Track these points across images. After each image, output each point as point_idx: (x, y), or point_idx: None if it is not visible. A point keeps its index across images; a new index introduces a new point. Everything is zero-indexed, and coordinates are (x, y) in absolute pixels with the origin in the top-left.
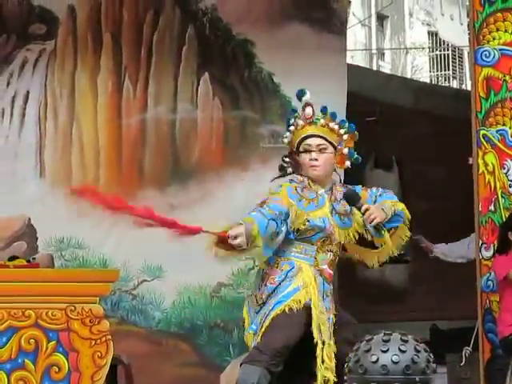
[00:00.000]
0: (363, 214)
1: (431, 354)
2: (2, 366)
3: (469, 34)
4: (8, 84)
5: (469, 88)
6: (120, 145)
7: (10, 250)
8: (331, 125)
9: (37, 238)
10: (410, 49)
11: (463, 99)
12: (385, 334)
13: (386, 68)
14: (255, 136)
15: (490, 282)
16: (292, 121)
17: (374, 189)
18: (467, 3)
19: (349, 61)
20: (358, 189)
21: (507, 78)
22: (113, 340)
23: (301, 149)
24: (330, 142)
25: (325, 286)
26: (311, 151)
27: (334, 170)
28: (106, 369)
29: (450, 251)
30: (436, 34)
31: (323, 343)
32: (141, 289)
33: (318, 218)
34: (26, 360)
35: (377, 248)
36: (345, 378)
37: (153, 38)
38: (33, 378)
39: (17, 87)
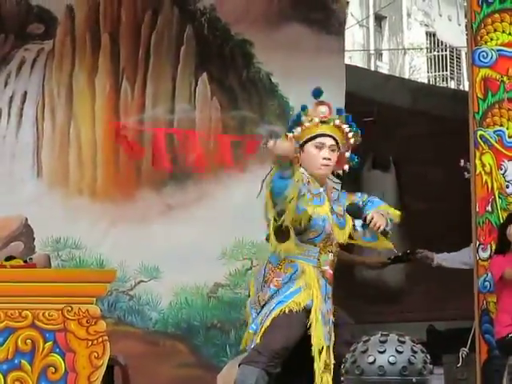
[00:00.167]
0: (368, 224)
1: (428, 355)
2: None
3: (466, 34)
4: (6, 84)
5: (466, 89)
6: (118, 145)
7: (7, 250)
8: (344, 127)
9: (34, 238)
10: (408, 49)
11: (461, 100)
12: (382, 334)
13: (384, 68)
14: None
15: (486, 283)
16: (303, 117)
17: (359, 193)
18: (465, 4)
19: (347, 61)
20: (344, 194)
21: (505, 78)
22: (109, 340)
23: (310, 145)
24: (337, 144)
25: (327, 288)
26: (322, 149)
27: (332, 173)
28: (103, 369)
29: (453, 260)
30: (434, 35)
31: (322, 347)
32: (138, 289)
33: (320, 215)
34: (22, 360)
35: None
36: (342, 378)
37: (151, 39)
38: (29, 378)
39: (14, 87)
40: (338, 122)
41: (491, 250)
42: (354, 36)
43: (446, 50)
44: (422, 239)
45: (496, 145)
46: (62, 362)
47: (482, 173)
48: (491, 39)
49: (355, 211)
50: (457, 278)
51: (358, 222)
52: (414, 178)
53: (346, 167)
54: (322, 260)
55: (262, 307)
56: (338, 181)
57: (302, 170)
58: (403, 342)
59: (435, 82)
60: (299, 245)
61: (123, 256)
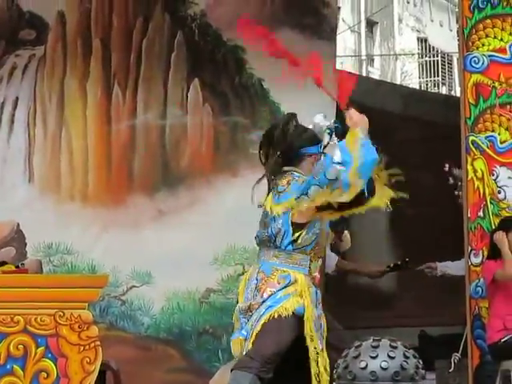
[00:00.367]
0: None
1: (420, 361)
2: None
3: (458, 40)
4: None
5: (458, 94)
6: (109, 151)
7: None
8: None
9: (25, 244)
10: (400, 55)
11: (452, 105)
12: (374, 340)
13: (376, 74)
14: (245, 142)
15: (478, 289)
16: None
17: None
18: (457, 10)
19: (338, 66)
20: None
21: (496, 84)
22: (101, 346)
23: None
24: None
25: (317, 294)
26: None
27: None
28: (95, 375)
29: (456, 267)
30: (425, 40)
31: (317, 353)
32: (130, 294)
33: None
34: (14, 366)
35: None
36: None
37: (142, 44)
38: (21, 383)
39: (6, 93)
40: None
41: (483, 255)
42: (346, 41)
43: (437, 56)
44: (413, 244)
45: (488, 150)
46: (54, 367)
47: (474, 178)
48: (483, 45)
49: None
50: (449, 284)
51: None
52: (404, 184)
53: None
54: (313, 267)
55: (252, 314)
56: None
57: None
58: (395, 348)
59: (427, 88)
60: (291, 254)
61: (115, 261)
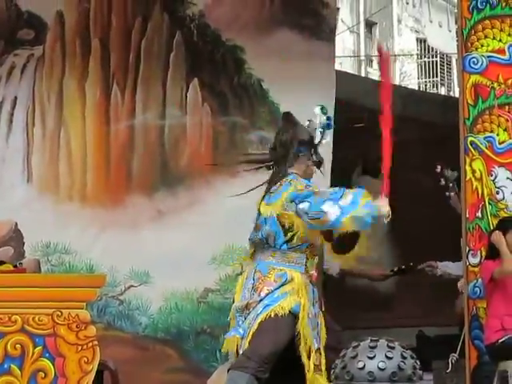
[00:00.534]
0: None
1: (417, 361)
2: None
3: (457, 40)
4: None
5: (457, 95)
6: (108, 150)
7: None
8: None
9: (24, 243)
10: (399, 55)
11: (451, 106)
12: (371, 340)
13: (375, 75)
14: (244, 142)
15: (476, 289)
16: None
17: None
18: (456, 10)
19: (337, 67)
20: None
21: (495, 85)
22: (99, 345)
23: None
24: None
25: (314, 293)
26: None
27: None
28: (93, 374)
29: (457, 267)
30: (424, 41)
31: (310, 351)
32: (128, 294)
33: None
34: (12, 365)
35: None
36: None
37: (141, 44)
38: (19, 383)
39: (4, 93)
40: None
41: (481, 255)
42: (345, 42)
43: (436, 57)
44: (412, 245)
45: (486, 151)
46: (52, 367)
47: (473, 179)
48: (482, 46)
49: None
50: (447, 284)
51: None
52: (404, 184)
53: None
54: (309, 265)
55: (249, 313)
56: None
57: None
58: (393, 348)
59: (426, 89)
60: (287, 253)
61: (113, 261)
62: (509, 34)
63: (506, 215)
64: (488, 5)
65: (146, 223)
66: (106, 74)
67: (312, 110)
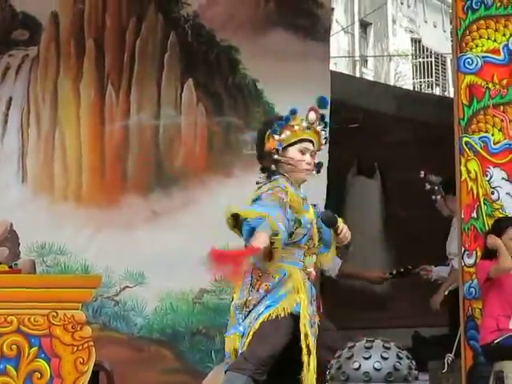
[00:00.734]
0: (338, 234)
1: (413, 361)
2: None
3: (452, 41)
4: None
5: (452, 95)
6: (103, 151)
7: None
8: (322, 134)
9: (19, 244)
10: (393, 56)
11: (446, 106)
12: (367, 340)
13: (369, 75)
14: (239, 142)
15: (472, 289)
16: (292, 121)
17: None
18: (450, 10)
19: (332, 68)
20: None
21: (490, 85)
22: (95, 346)
23: (294, 149)
24: (315, 149)
25: (312, 290)
26: (305, 154)
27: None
28: (88, 375)
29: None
30: (419, 41)
31: (310, 352)
32: (123, 295)
33: (307, 218)
34: (7, 366)
35: None
36: None
37: (135, 45)
38: (15, 383)
39: None
40: (319, 128)
41: (476, 256)
42: (339, 42)
43: (431, 57)
44: (406, 246)
45: (481, 151)
46: (48, 368)
47: (468, 179)
48: (476, 46)
49: (331, 219)
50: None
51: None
52: (399, 185)
53: (314, 172)
54: (307, 262)
55: (250, 311)
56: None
57: (278, 177)
58: (388, 348)
59: (420, 89)
60: (285, 248)
61: (108, 262)
62: (503, 34)
63: (501, 215)
64: (483, 5)
65: (141, 224)
66: (100, 75)
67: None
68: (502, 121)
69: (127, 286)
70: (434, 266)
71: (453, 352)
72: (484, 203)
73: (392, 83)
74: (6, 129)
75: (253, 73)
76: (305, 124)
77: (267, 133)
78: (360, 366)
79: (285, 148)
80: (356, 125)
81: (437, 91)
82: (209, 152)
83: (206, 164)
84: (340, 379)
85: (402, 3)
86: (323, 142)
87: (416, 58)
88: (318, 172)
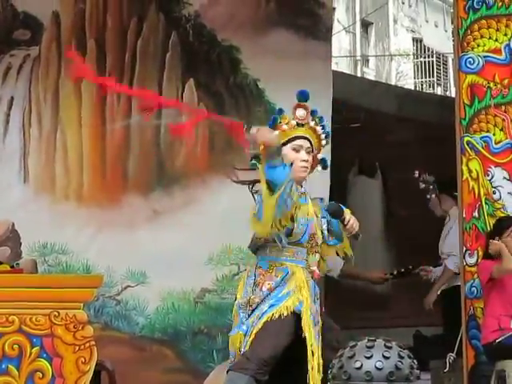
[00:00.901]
0: (345, 225)
1: (415, 361)
2: None
3: (453, 40)
4: None
5: (453, 95)
6: (104, 150)
7: None
8: (318, 129)
9: (20, 244)
10: (395, 55)
11: (447, 106)
12: (369, 340)
13: (371, 74)
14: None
15: (473, 289)
16: (279, 120)
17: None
18: (452, 10)
19: (333, 67)
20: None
21: (491, 84)
22: (96, 346)
23: (287, 148)
24: (312, 146)
25: (315, 289)
26: (300, 151)
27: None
28: (90, 374)
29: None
30: (420, 41)
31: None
32: (124, 294)
33: (305, 214)
34: (9, 365)
35: None
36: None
37: (137, 45)
38: (16, 383)
39: (1, 93)
40: (312, 123)
41: (478, 255)
42: (341, 42)
43: (432, 56)
44: (407, 245)
45: (483, 151)
46: (49, 367)
47: (469, 179)
48: (478, 45)
49: (337, 210)
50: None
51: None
52: (400, 184)
53: (319, 168)
54: (310, 261)
55: (254, 310)
56: None
57: None
58: (390, 348)
59: (422, 88)
60: (287, 247)
61: (110, 261)
62: (505, 34)
63: (502, 215)
64: (484, 5)
65: (143, 223)
66: (101, 75)
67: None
68: (503, 120)
69: (129, 286)
70: (432, 267)
71: (454, 351)
72: (485, 203)
73: (393, 83)
74: (8, 129)
75: (254, 72)
76: (294, 122)
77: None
78: (362, 365)
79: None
80: (357, 124)
81: (438, 91)
82: (210, 152)
83: (207, 163)
84: (342, 378)
85: (403, 3)
86: (323, 136)
87: (417, 58)
88: (324, 168)
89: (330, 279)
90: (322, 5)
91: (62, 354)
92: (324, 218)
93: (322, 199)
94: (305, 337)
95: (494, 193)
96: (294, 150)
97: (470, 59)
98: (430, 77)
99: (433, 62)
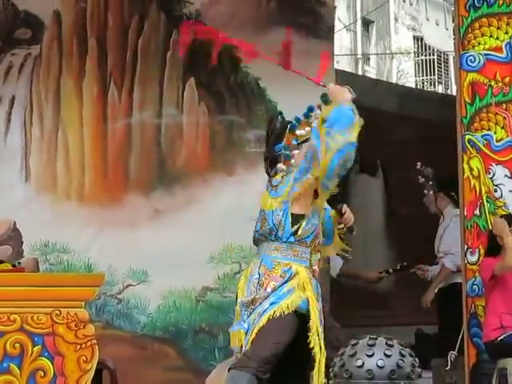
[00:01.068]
0: (342, 215)
1: (416, 359)
2: None
3: (454, 39)
4: None
5: (454, 93)
6: (105, 150)
7: None
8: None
9: (22, 242)
10: (396, 54)
11: (449, 104)
12: (370, 338)
13: (372, 73)
14: (241, 141)
15: (475, 287)
16: (310, 118)
17: None
18: (452, 8)
19: (334, 66)
20: None
21: (492, 83)
22: (98, 344)
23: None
24: None
25: (318, 287)
26: None
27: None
28: (92, 373)
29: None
30: (421, 39)
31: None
32: (126, 293)
33: (318, 214)
34: (11, 364)
35: None
36: (330, 382)
37: (138, 44)
38: (18, 382)
39: (2, 92)
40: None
41: (479, 253)
42: (342, 40)
43: (433, 55)
44: (408, 243)
45: (484, 149)
46: (51, 366)
47: (470, 177)
48: (479, 44)
49: (335, 199)
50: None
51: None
52: (401, 183)
53: None
54: (313, 260)
55: (255, 308)
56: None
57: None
58: (391, 346)
59: (423, 87)
60: (292, 246)
61: (111, 260)
62: (506, 32)
63: (504, 213)
64: (485, 3)
65: (144, 222)
66: (103, 73)
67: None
68: (504, 118)
69: (130, 284)
70: (428, 266)
71: (456, 349)
72: (487, 201)
73: (394, 81)
74: (9, 128)
75: (255, 71)
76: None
77: (287, 129)
78: (363, 363)
79: (299, 144)
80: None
81: (439, 89)
82: (211, 150)
83: (209, 162)
84: (343, 376)
85: (404, 1)
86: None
87: (418, 56)
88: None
89: (331, 278)
90: (322, 3)
91: (64, 353)
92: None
93: None
94: (308, 336)
95: (496, 191)
96: None
97: (471, 57)
98: (431, 75)
99: (434, 60)
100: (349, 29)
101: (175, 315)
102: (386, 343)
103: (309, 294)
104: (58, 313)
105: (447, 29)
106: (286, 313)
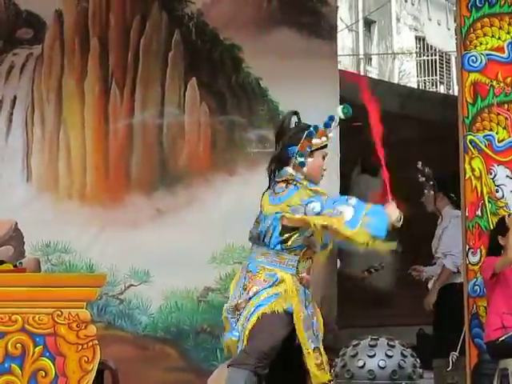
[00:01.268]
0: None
1: (418, 359)
2: None
3: (456, 39)
4: None
5: (456, 93)
6: (107, 149)
7: None
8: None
9: (24, 243)
10: (398, 54)
11: (450, 104)
12: (371, 338)
13: (374, 73)
14: (243, 141)
15: (476, 287)
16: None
17: None
18: (454, 8)
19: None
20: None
21: (494, 83)
22: (99, 345)
23: (319, 154)
24: None
25: (305, 294)
26: (324, 159)
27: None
28: (93, 374)
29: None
30: (423, 39)
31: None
32: (128, 293)
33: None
34: (12, 365)
35: None
36: (331, 382)
37: (140, 43)
38: (19, 382)
39: (4, 92)
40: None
41: (481, 254)
42: (344, 40)
43: (435, 55)
44: (410, 244)
45: (486, 149)
46: (52, 367)
47: (472, 177)
48: (480, 44)
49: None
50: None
51: None
52: (403, 183)
53: None
54: (301, 267)
55: (241, 313)
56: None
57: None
58: (393, 346)
59: (425, 87)
60: (279, 254)
61: (113, 260)
62: (508, 32)
63: (505, 213)
64: (487, 3)
65: (146, 222)
66: (104, 73)
67: (313, 108)
68: (506, 119)
69: (132, 285)
70: (423, 267)
71: (457, 350)
72: (488, 201)
73: (396, 81)
74: (11, 128)
75: (256, 71)
76: (325, 139)
77: (304, 134)
78: (364, 363)
79: (312, 152)
80: (360, 123)
81: (441, 89)
82: (212, 150)
83: (210, 162)
84: (344, 377)
85: (405, 1)
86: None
87: (420, 56)
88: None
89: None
90: (325, 3)
91: (65, 353)
92: None
93: None
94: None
95: (497, 191)
96: (323, 157)
97: (473, 57)
98: (432, 75)
99: (436, 60)
100: (351, 29)
101: (177, 316)
102: (388, 344)
103: (294, 303)
104: (60, 313)
105: (449, 29)
106: (274, 310)
